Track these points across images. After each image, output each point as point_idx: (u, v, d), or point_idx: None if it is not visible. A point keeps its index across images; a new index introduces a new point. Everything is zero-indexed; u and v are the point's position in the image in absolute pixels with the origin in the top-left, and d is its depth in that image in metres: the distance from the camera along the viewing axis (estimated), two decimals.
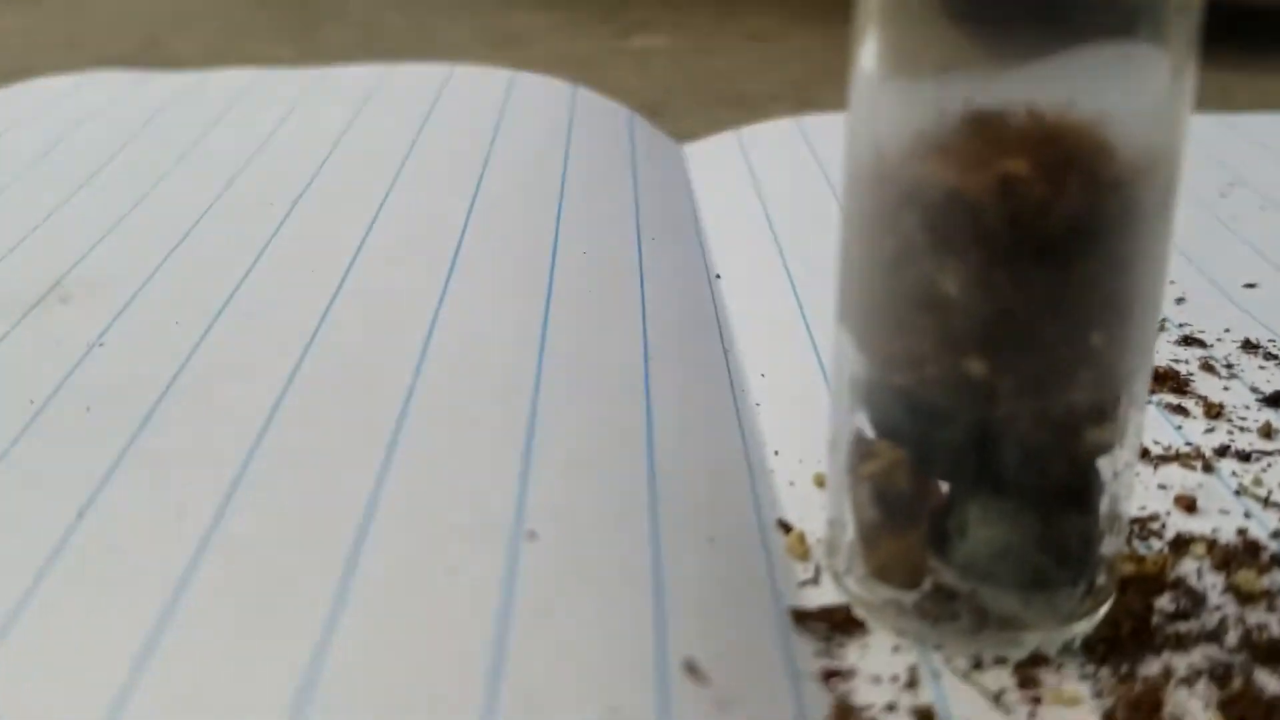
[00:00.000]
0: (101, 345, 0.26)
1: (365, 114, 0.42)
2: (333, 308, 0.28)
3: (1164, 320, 0.31)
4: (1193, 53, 0.18)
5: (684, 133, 0.46)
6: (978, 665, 0.19)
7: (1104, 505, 0.20)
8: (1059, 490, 0.19)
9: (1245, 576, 0.21)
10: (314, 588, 0.18)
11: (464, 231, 0.32)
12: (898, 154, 0.18)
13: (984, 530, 0.19)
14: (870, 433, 0.20)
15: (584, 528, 0.20)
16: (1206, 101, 0.51)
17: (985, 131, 0.17)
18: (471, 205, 0.34)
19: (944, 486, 0.20)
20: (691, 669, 0.18)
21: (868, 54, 0.18)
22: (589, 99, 0.46)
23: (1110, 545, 0.20)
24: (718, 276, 0.34)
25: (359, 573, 0.18)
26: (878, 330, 0.19)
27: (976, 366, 0.18)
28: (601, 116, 0.44)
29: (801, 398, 0.27)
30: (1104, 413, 0.19)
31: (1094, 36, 0.17)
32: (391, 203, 0.35)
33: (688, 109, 0.53)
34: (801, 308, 0.31)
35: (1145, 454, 0.25)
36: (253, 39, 0.65)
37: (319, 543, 0.19)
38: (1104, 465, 0.19)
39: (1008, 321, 0.18)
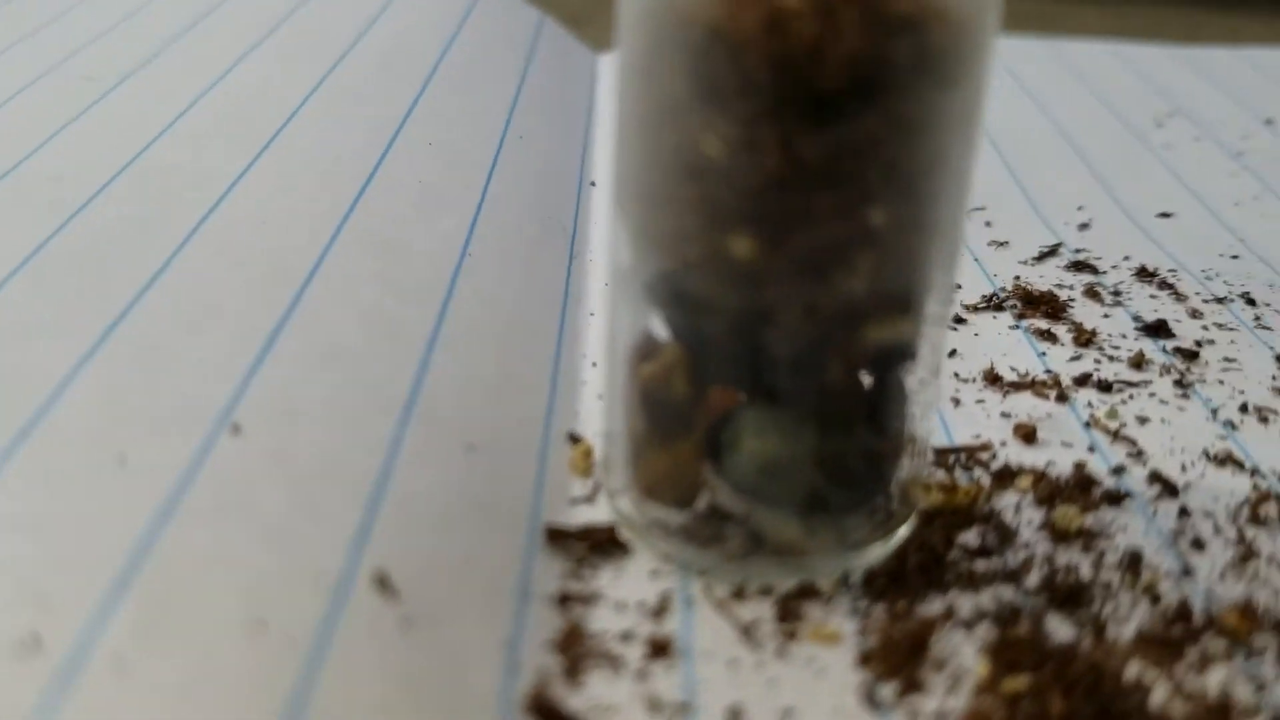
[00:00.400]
0: None
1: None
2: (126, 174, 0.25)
3: (1059, 245, 0.28)
4: None
5: (605, 44, 0.43)
6: (739, 594, 0.17)
7: (898, 422, 0.17)
8: (840, 399, 0.17)
9: (1065, 512, 0.18)
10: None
11: (300, 106, 0.30)
12: None
13: (755, 442, 0.17)
14: (661, 331, 0.17)
15: (304, 423, 0.18)
16: (1169, 36, 0.49)
17: None
18: (324, 78, 0.32)
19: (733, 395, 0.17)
20: (381, 582, 0.15)
21: None
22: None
23: (906, 468, 0.17)
24: (592, 184, 0.31)
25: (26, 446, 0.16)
26: (643, 207, 0.16)
27: (741, 245, 0.15)
28: (506, 14, 0.41)
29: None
30: (890, 307, 0.16)
31: None
32: (249, 65, 0.32)
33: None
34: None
35: (996, 380, 0.22)
36: None
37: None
38: (900, 377, 0.17)
39: (776, 190, 0.15)
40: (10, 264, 0.21)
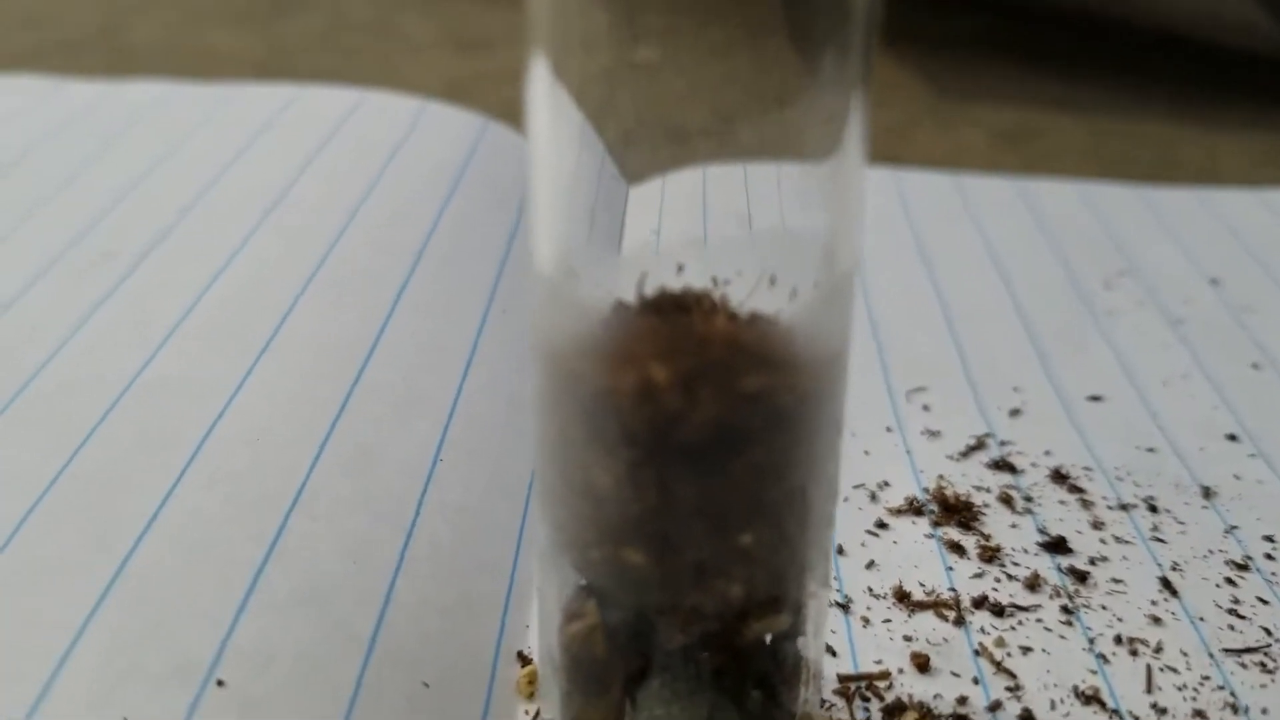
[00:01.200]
0: None
1: (271, 133, 0.42)
2: (118, 405, 0.28)
3: (988, 436, 0.31)
4: (853, 269, 0.18)
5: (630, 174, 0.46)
6: None
7: (793, 685, 0.20)
8: (729, 678, 0.19)
9: None
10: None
11: (302, 289, 0.33)
12: (558, 347, 0.18)
13: (658, 709, 0.19)
14: (580, 586, 0.20)
15: (277, 671, 0.21)
16: (1145, 153, 0.51)
17: (637, 327, 0.17)
18: (343, 231, 0.35)
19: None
20: None
21: (541, 255, 0.18)
22: (499, 134, 0.46)
23: (803, 702, 0.20)
24: None
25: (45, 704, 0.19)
26: (550, 509, 0.19)
27: (633, 556, 0.18)
28: (508, 153, 0.44)
29: None
30: (767, 607, 0.19)
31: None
32: (270, 223, 0.35)
33: (638, 148, 0.53)
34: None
35: (905, 597, 0.25)
36: (214, 26, 0.66)
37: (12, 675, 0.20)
38: (785, 653, 0.20)
39: (657, 518, 0.18)
40: (31, 495, 0.24)
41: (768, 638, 0.19)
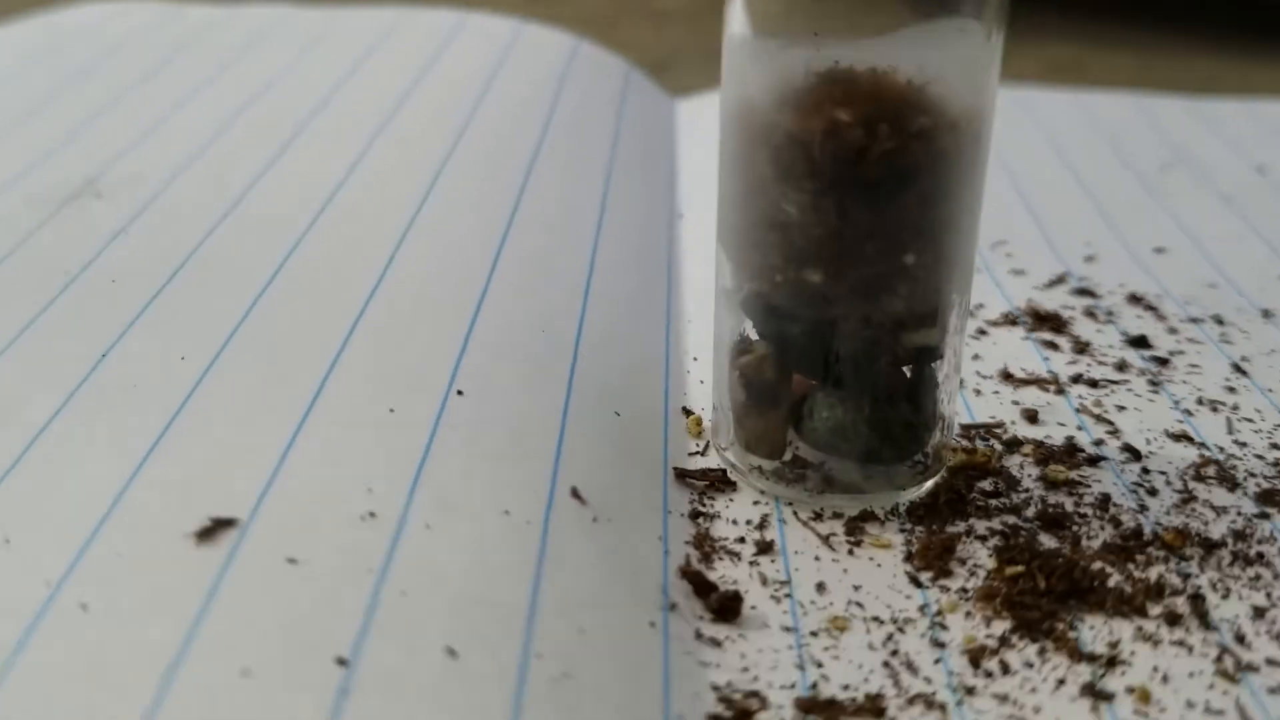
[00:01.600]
0: (126, 234, 0.31)
1: (379, 52, 0.47)
2: (324, 213, 0.32)
3: (1066, 274, 0.35)
4: (999, 39, 0.22)
5: (686, 87, 0.51)
6: (818, 517, 0.24)
7: (930, 402, 0.24)
8: (887, 382, 0.24)
9: (1055, 469, 0.25)
10: (282, 410, 0.23)
11: (448, 159, 0.37)
12: (756, 103, 0.22)
13: (826, 412, 0.24)
14: (752, 333, 0.24)
15: (506, 389, 0.25)
16: (1188, 84, 0.55)
17: (822, 87, 0.22)
18: (459, 137, 0.39)
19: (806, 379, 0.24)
20: (575, 493, 0.22)
21: (736, 19, 0.22)
22: (590, 51, 0.50)
23: (938, 437, 0.24)
24: (680, 215, 0.39)
25: (319, 404, 0.23)
26: (741, 245, 0.23)
27: (813, 276, 0.22)
28: (599, 68, 0.48)
29: None
30: (922, 320, 0.23)
31: (924, 14, 0.21)
32: (389, 129, 0.40)
33: (694, 69, 0.57)
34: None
35: (1009, 377, 0.29)
36: None
37: (284, 385, 0.24)
38: (932, 370, 0.24)
39: (835, 241, 0.22)
40: (262, 280, 0.29)
41: (917, 352, 0.23)
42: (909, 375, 0.24)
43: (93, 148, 0.36)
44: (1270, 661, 0.20)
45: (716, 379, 0.25)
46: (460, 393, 0.24)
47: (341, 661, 0.17)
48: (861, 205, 0.22)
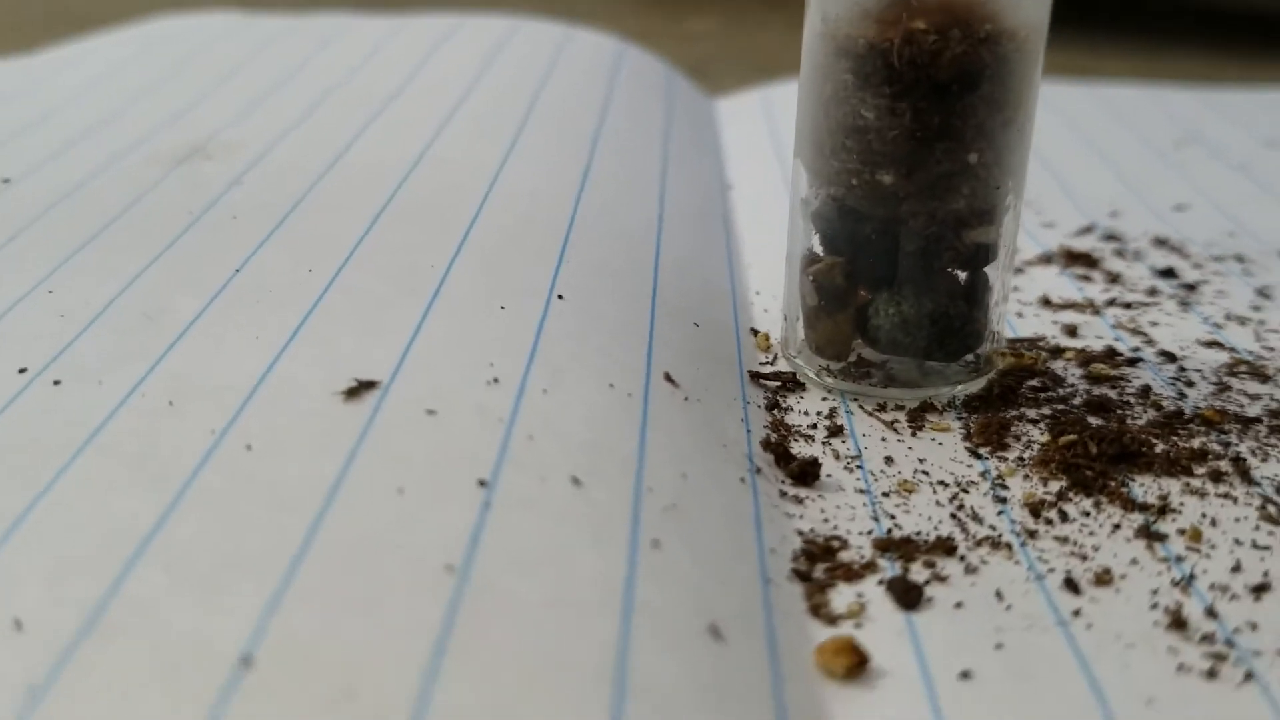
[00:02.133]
0: (240, 185, 0.33)
1: (441, 52, 0.49)
2: (419, 165, 0.35)
3: (1093, 225, 0.37)
4: None
5: (719, 92, 0.53)
6: (882, 408, 0.26)
7: (985, 302, 0.26)
8: (947, 282, 0.26)
9: (1098, 366, 0.27)
10: (405, 307, 0.25)
11: (520, 131, 0.40)
12: (836, 19, 0.25)
13: (892, 309, 0.26)
14: (819, 248, 0.27)
15: (599, 298, 0.27)
16: (1192, 80, 0.58)
17: (897, 3, 0.24)
18: (528, 115, 0.42)
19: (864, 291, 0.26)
20: (668, 377, 0.24)
21: None
22: (635, 54, 0.53)
23: (990, 336, 0.26)
24: (729, 187, 0.41)
25: (437, 303, 0.26)
26: (819, 154, 0.26)
27: (887, 177, 0.25)
28: (644, 68, 0.51)
29: (777, 261, 0.34)
30: (981, 218, 0.25)
31: None
32: (464, 109, 0.42)
33: (726, 74, 0.60)
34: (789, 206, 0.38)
35: (1048, 303, 0.31)
36: None
37: (404, 290, 0.26)
38: (985, 271, 0.26)
39: (909, 142, 0.24)
40: (370, 214, 0.31)
41: (975, 250, 0.26)
42: (967, 276, 0.26)
43: (195, 124, 0.39)
44: None
45: (788, 290, 0.28)
46: (561, 296, 0.26)
47: (482, 483, 0.19)
48: (933, 107, 0.24)
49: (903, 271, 0.26)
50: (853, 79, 0.24)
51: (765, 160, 0.43)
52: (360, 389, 0.22)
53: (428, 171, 0.35)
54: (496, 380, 0.22)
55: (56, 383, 0.22)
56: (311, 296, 0.26)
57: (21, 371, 0.23)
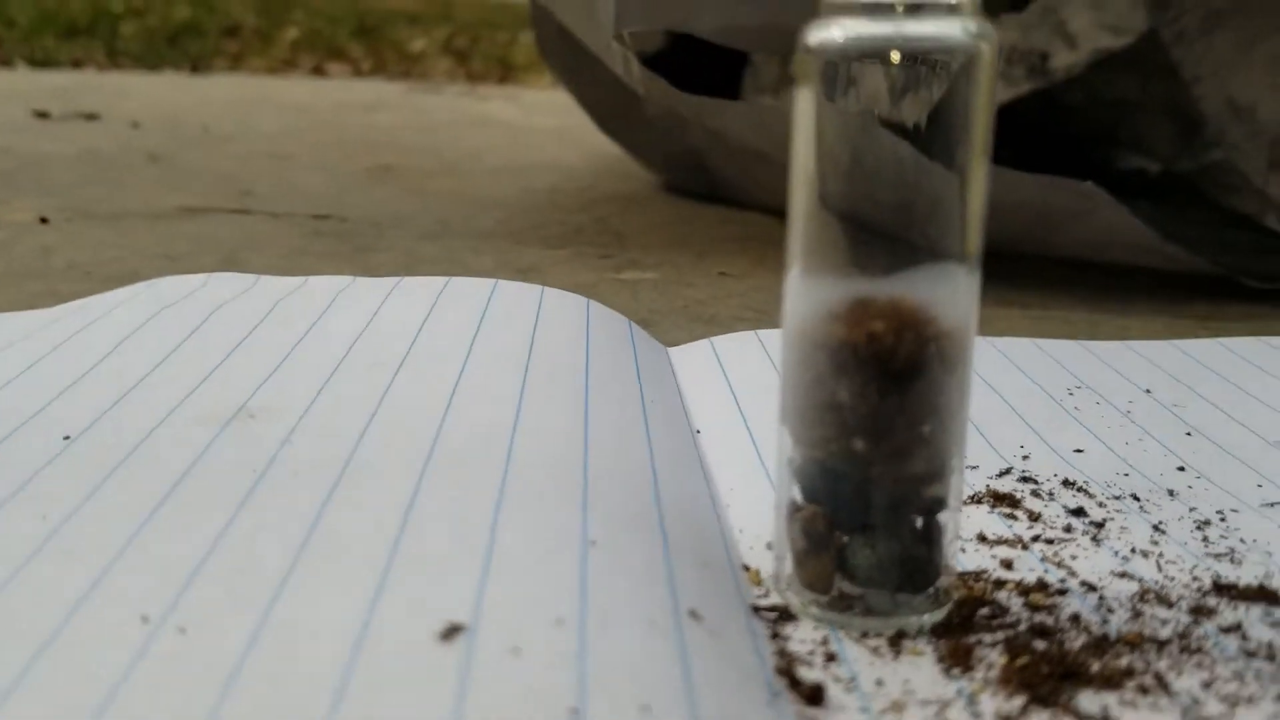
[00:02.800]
0: (290, 443, 0.38)
1: (438, 310, 0.55)
2: (441, 432, 0.40)
3: (1009, 469, 0.44)
4: (976, 275, 0.31)
5: (668, 342, 0.60)
6: (865, 636, 0.31)
7: (940, 544, 0.32)
8: (911, 529, 0.31)
9: (1036, 597, 0.33)
10: (467, 559, 0.30)
11: (522, 392, 0.45)
12: (813, 320, 0.31)
13: (866, 550, 0.31)
14: (799, 498, 0.32)
15: (622, 542, 0.32)
16: (1074, 333, 0.66)
17: (861, 307, 0.30)
18: (525, 375, 0.47)
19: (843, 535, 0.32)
20: (693, 613, 0.29)
21: (795, 266, 0.31)
22: (599, 309, 0.59)
23: (947, 573, 0.32)
24: (697, 431, 0.47)
25: (495, 550, 0.30)
26: (803, 424, 0.31)
27: (860, 444, 0.31)
28: (609, 321, 0.58)
29: (754, 500, 0.39)
30: (935, 475, 0.31)
31: (924, 262, 0.31)
32: (469, 369, 0.48)
33: (671, 325, 0.67)
34: (756, 447, 0.44)
35: (983, 538, 0.37)
36: (315, 261, 0.79)
37: (463, 541, 0.31)
38: (941, 519, 0.32)
39: (874, 418, 0.30)
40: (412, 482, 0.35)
41: (931, 502, 0.31)
42: (925, 522, 0.32)
43: (227, 383, 0.43)
44: (1221, 715, 0.27)
45: (778, 534, 0.33)
46: (594, 542, 0.31)
47: (574, 711, 0.23)
48: (893, 390, 0.30)
49: (874, 519, 0.31)
50: (827, 368, 0.31)
51: (725, 406, 0.49)
52: (452, 632, 0.26)
53: (454, 427, 0.40)
54: (561, 620, 0.27)
55: (181, 630, 0.26)
56: (385, 548, 0.30)
57: (145, 620, 0.26)
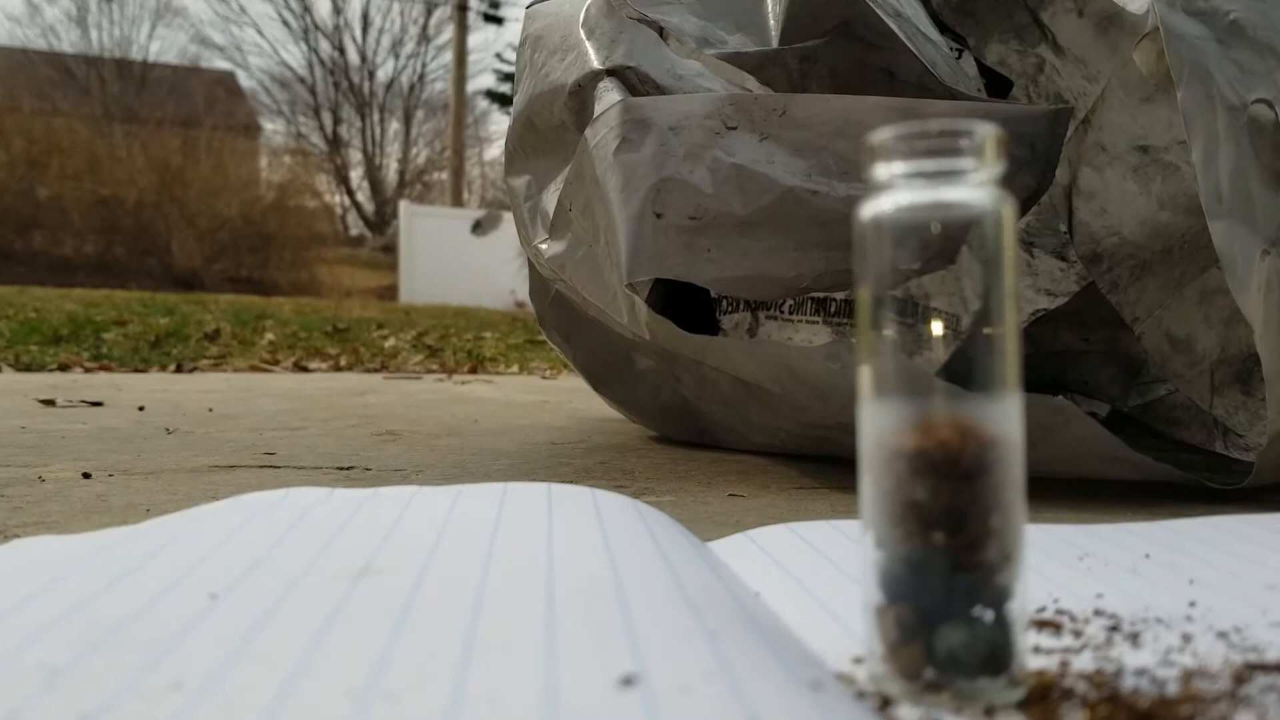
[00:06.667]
0: (418, 593, 0.42)
1: (504, 512, 0.60)
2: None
3: (1045, 607, 0.49)
4: (1019, 397, 0.38)
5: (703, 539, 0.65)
6: (958, 711, 0.35)
7: (1014, 632, 0.37)
8: (987, 616, 0.36)
9: (1098, 678, 0.37)
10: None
11: (550, 584, 0.50)
12: (889, 434, 0.37)
13: (950, 638, 0.36)
14: (884, 597, 0.37)
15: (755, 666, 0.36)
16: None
17: (929, 423, 0.37)
18: (551, 566, 0.52)
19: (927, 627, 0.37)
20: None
21: (866, 391, 0.38)
22: (606, 496, 0.65)
23: (1020, 657, 0.36)
24: (757, 593, 0.51)
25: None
26: (885, 524, 0.37)
27: (939, 537, 0.36)
28: (620, 505, 0.63)
29: (831, 637, 0.44)
30: (1005, 564, 0.36)
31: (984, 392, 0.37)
32: (500, 584, 0.52)
33: (700, 532, 0.72)
34: (821, 604, 0.49)
35: (1038, 649, 0.42)
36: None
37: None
38: (1011, 607, 0.37)
39: (949, 513, 0.36)
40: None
41: (1001, 590, 0.36)
42: (998, 611, 0.36)
43: (342, 555, 0.48)
44: None
45: (868, 635, 0.37)
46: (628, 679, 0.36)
47: None
48: (962, 489, 0.36)
49: (954, 609, 0.36)
50: (905, 473, 0.37)
51: (780, 579, 0.54)
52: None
53: (494, 608, 0.44)
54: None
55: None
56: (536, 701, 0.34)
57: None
